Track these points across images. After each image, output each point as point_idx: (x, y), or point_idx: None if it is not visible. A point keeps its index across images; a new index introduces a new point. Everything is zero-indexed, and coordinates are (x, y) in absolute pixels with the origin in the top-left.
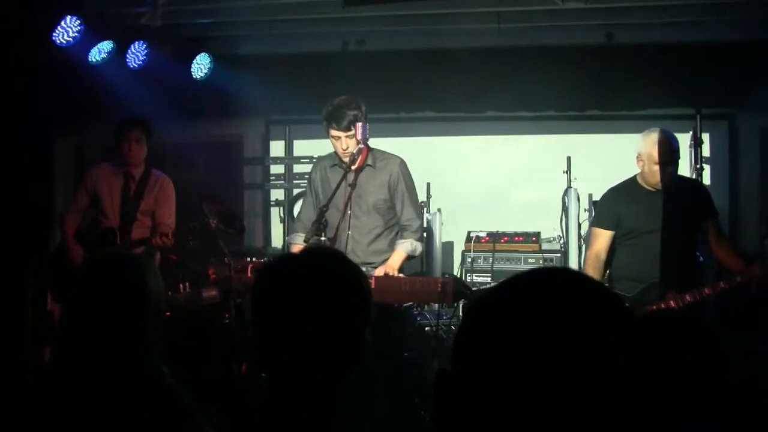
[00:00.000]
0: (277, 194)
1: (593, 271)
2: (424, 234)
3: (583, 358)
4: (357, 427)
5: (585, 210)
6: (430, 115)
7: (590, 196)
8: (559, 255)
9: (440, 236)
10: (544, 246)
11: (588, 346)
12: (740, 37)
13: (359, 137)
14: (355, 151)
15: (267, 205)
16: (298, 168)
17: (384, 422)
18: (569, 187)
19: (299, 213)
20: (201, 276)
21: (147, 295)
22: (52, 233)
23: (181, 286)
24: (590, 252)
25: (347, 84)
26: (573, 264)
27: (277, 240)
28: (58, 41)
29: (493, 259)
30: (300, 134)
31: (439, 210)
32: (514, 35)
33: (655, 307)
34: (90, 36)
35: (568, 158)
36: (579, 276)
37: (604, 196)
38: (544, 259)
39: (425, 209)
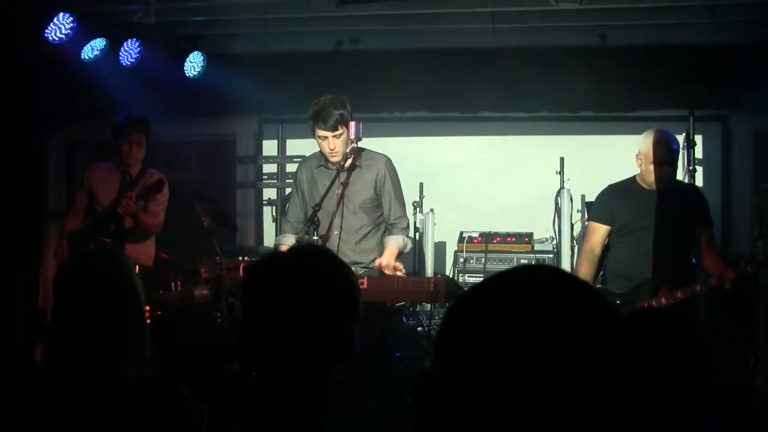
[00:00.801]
0: (269, 193)
1: (588, 265)
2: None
3: (564, 356)
4: (349, 426)
5: (578, 211)
6: (423, 114)
7: (583, 197)
8: (551, 256)
9: (432, 236)
10: (537, 246)
11: (569, 343)
12: (733, 39)
13: (353, 136)
14: (348, 150)
15: (259, 204)
16: (290, 167)
17: (376, 421)
18: (562, 187)
19: (287, 214)
20: (193, 275)
21: (123, 289)
22: (44, 230)
23: (172, 284)
24: (585, 246)
25: (340, 83)
26: (565, 265)
27: (269, 239)
28: (50, 38)
29: (485, 260)
30: (293, 133)
31: (431, 210)
32: (509, 36)
33: (645, 304)
34: (83, 33)
35: (561, 159)
36: (561, 273)
37: (602, 192)
38: (537, 260)
39: (418, 209)
